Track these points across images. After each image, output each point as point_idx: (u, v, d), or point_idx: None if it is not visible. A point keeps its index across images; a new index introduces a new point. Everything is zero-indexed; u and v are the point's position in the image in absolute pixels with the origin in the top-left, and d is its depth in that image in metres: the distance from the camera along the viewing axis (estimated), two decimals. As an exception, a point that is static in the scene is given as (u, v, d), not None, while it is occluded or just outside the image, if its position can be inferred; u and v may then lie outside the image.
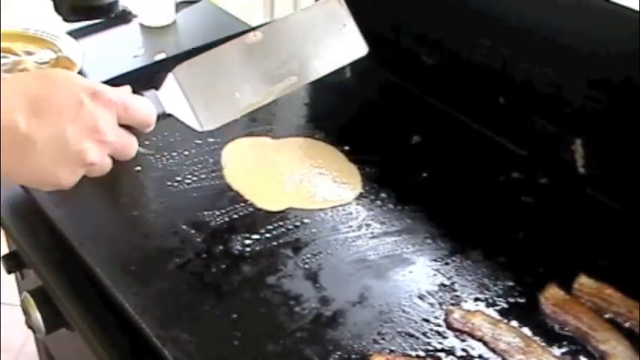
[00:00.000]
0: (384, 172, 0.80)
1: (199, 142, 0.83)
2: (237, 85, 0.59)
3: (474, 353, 0.60)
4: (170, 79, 0.59)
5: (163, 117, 0.59)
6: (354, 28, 0.65)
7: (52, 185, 0.51)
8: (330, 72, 0.65)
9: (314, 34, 0.62)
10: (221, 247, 0.69)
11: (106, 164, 0.54)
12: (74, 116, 0.50)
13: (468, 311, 0.63)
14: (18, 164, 0.48)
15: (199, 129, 0.58)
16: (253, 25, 1.12)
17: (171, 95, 0.58)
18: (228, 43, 0.60)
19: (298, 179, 0.78)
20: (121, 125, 0.55)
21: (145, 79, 0.91)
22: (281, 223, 0.72)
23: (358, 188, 0.78)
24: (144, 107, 0.56)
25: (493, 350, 0.60)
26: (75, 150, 0.50)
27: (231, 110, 0.59)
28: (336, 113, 0.93)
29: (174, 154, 0.80)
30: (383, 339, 0.61)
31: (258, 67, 0.60)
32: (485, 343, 0.61)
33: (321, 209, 0.74)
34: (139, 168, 0.78)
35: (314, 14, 0.64)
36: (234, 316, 0.62)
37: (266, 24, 0.64)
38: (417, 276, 0.67)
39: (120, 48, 1.09)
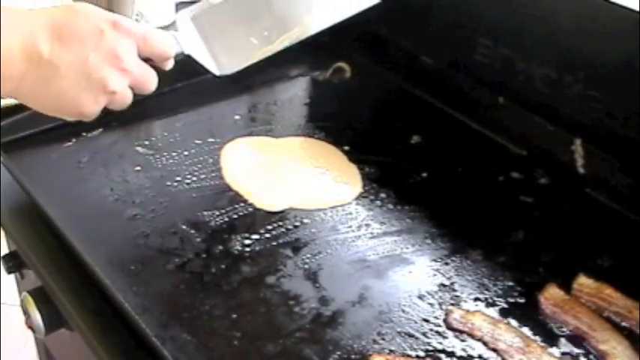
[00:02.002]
0: (384, 172, 0.80)
1: (199, 142, 0.83)
2: (253, 31, 0.60)
3: (474, 353, 0.60)
4: (188, 22, 0.59)
5: (181, 56, 0.59)
6: None
7: (75, 113, 0.51)
8: (343, 19, 0.64)
9: None
10: (221, 247, 0.69)
11: (127, 95, 0.55)
12: (96, 43, 0.50)
13: (468, 311, 0.63)
14: (43, 90, 0.49)
15: (217, 72, 0.59)
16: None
17: (189, 37, 0.59)
18: None
19: (298, 179, 0.78)
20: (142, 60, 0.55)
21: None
22: (281, 223, 0.72)
23: (358, 188, 0.78)
24: (163, 39, 0.56)
25: (493, 350, 0.60)
26: (97, 76, 0.50)
27: (247, 55, 0.60)
28: (336, 113, 0.93)
29: (174, 154, 0.80)
30: (382, 339, 0.61)
31: (273, 14, 0.61)
32: (485, 343, 0.61)
33: (320, 209, 0.74)
34: (138, 168, 0.78)
35: None
36: (234, 316, 0.62)
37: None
38: (416, 276, 0.67)
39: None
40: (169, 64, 0.59)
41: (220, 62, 0.59)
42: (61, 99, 0.50)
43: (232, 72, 0.60)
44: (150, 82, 0.57)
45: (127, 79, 0.54)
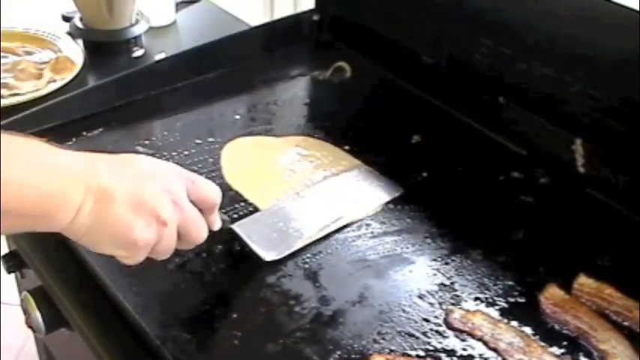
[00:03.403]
0: (383, 171, 0.80)
1: (199, 142, 0.83)
2: (295, 225, 0.71)
3: (474, 353, 0.60)
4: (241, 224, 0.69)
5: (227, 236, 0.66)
6: (385, 180, 0.79)
7: (128, 241, 0.52)
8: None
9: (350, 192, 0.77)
10: (221, 247, 0.69)
11: (174, 235, 0.56)
12: (148, 177, 0.54)
13: (468, 311, 0.63)
14: (98, 218, 0.51)
15: (267, 258, 0.67)
16: (253, 24, 1.12)
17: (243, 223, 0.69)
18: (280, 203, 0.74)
19: (298, 178, 0.78)
20: None
21: (145, 79, 0.92)
22: (281, 223, 0.72)
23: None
24: (210, 185, 0.59)
25: (493, 350, 0.60)
26: (150, 203, 0.53)
27: (290, 243, 0.69)
28: (336, 113, 0.93)
29: (174, 153, 0.80)
30: (383, 338, 0.61)
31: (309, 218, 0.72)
32: (485, 343, 0.61)
33: (321, 209, 0.75)
34: (138, 168, 0.78)
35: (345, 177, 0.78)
36: (234, 315, 0.62)
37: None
38: (416, 276, 0.67)
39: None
40: (215, 223, 0.61)
41: (265, 249, 0.67)
42: (115, 224, 0.51)
43: (276, 257, 0.67)
44: (199, 226, 0.58)
45: (177, 214, 0.55)
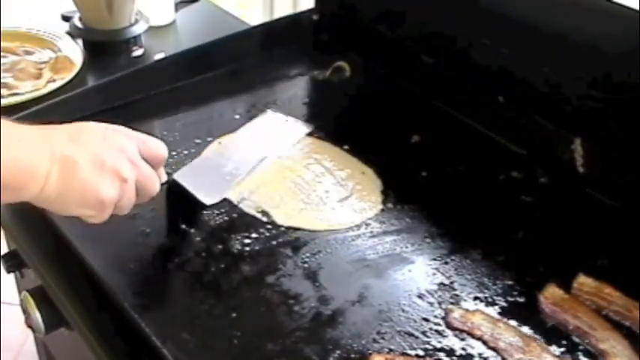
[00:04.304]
0: (383, 171, 0.80)
1: (199, 141, 0.83)
2: (227, 170, 0.77)
3: (474, 352, 0.60)
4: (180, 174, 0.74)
5: (171, 183, 0.71)
6: (293, 120, 0.88)
7: (95, 200, 0.57)
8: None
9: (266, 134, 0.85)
10: (220, 247, 0.69)
11: (133, 191, 0.60)
12: (103, 140, 0.58)
13: (468, 310, 0.63)
14: (65, 183, 0.54)
15: (207, 202, 0.72)
16: (252, 24, 1.12)
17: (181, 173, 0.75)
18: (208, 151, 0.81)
19: (297, 178, 0.78)
20: None
21: (144, 78, 0.92)
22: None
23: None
24: (158, 142, 0.64)
25: (492, 349, 0.60)
26: (110, 164, 0.57)
27: (225, 187, 0.75)
28: (336, 112, 0.93)
29: (174, 153, 0.80)
30: (382, 338, 0.61)
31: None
32: (485, 342, 0.61)
33: (320, 208, 0.74)
34: (138, 167, 0.78)
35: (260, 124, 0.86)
36: (234, 315, 0.62)
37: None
38: (416, 275, 0.67)
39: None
40: (162, 176, 0.66)
41: (205, 194, 0.72)
42: (82, 188, 0.56)
43: (216, 201, 0.73)
44: (153, 180, 0.63)
45: (135, 171, 0.60)
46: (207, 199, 0.72)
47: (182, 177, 0.72)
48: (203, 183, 0.73)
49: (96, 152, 0.57)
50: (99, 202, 0.57)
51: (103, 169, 0.57)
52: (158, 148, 0.64)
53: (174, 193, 0.72)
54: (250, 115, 0.89)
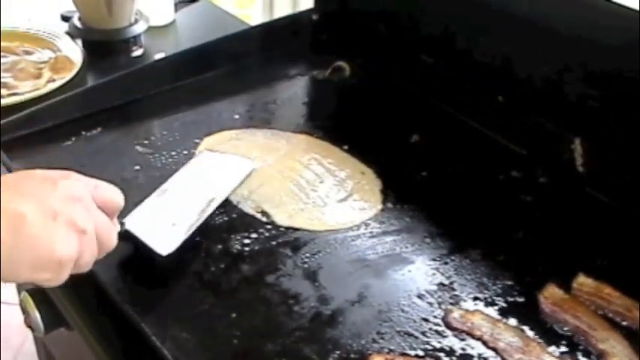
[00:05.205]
0: (383, 171, 0.80)
1: (198, 141, 0.83)
2: (177, 215, 0.69)
3: (473, 352, 0.60)
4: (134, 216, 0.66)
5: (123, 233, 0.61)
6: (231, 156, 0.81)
7: (51, 258, 0.49)
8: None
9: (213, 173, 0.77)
10: (220, 247, 0.69)
11: (94, 244, 0.53)
12: (52, 189, 0.51)
13: (467, 310, 0.63)
14: (14, 241, 0.47)
15: (163, 253, 0.64)
16: (252, 24, 1.12)
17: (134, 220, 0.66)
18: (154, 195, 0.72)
19: (299, 177, 0.78)
20: None
21: (144, 78, 0.92)
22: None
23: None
24: (113, 188, 0.57)
25: (492, 349, 0.60)
26: (64, 215, 0.50)
27: (180, 235, 0.67)
28: (336, 112, 0.93)
29: (173, 152, 0.80)
30: (382, 338, 0.61)
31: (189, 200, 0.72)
32: (485, 343, 0.61)
33: (320, 208, 0.74)
34: (138, 167, 0.78)
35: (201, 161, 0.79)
36: (234, 315, 0.62)
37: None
38: (416, 275, 0.67)
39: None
40: (115, 238, 0.57)
41: (160, 243, 0.64)
42: (34, 246, 0.48)
43: (172, 250, 0.64)
44: (112, 230, 0.56)
45: (92, 221, 0.52)
46: (163, 249, 0.64)
47: (134, 226, 0.65)
48: (154, 230, 0.66)
49: (44, 203, 0.49)
50: (55, 261, 0.49)
51: (55, 220, 0.49)
52: (113, 194, 0.57)
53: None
54: (250, 115, 0.89)
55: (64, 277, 0.51)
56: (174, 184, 0.73)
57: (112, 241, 0.56)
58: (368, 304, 0.64)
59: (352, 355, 0.59)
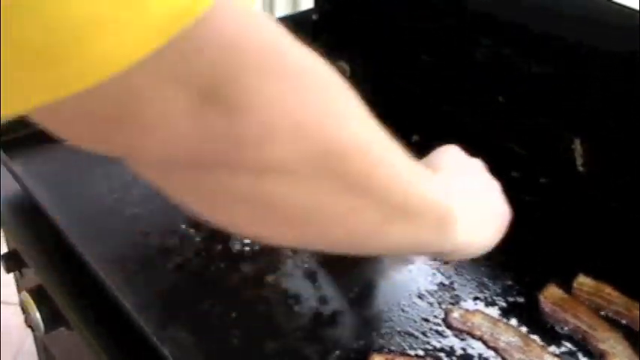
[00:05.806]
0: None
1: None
2: None
3: (474, 352, 0.60)
4: None
5: None
6: None
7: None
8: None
9: None
10: (220, 247, 0.69)
11: None
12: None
13: (467, 310, 0.63)
14: (471, 216, 0.54)
15: None
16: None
17: None
18: None
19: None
20: None
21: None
22: (280, 223, 0.72)
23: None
24: None
25: (492, 349, 0.60)
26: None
27: None
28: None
29: (174, 153, 0.80)
30: (382, 338, 0.61)
31: None
32: (485, 342, 0.61)
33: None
34: (138, 167, 0.78)
35: None
36: (234, 315, 0.62)
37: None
38: (416, 275, 0.67)
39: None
40: None
41: None
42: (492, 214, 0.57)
43: None
44: None
45: None
46: None
47: None
48: None
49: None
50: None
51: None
52: None
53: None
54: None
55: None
56: None
57: None
58: (368, 304, 0.64)
59: (352, 355, 0.59)
